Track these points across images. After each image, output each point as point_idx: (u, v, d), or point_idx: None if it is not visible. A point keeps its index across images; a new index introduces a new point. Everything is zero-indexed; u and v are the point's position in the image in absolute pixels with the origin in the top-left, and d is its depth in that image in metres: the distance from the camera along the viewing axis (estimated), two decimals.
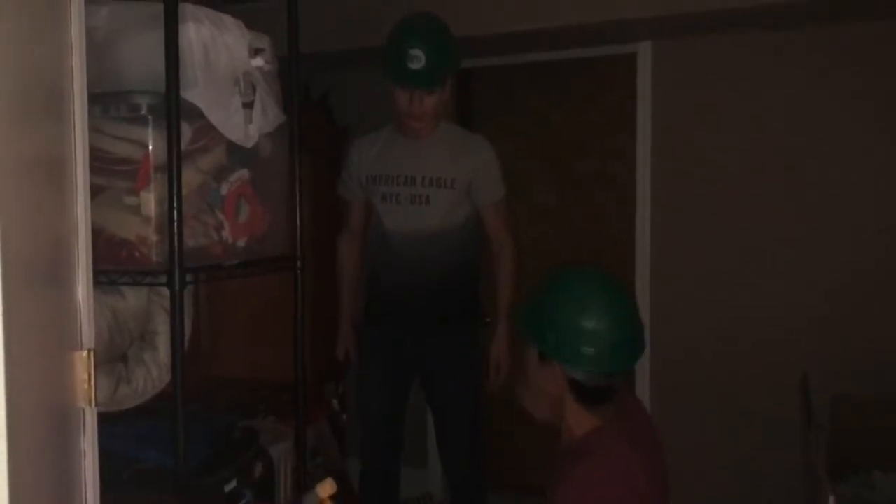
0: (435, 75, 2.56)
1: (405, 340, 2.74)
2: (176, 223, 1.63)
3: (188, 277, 1.67)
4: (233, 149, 1.80)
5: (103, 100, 1.64)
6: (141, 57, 1.68)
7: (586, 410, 1.70)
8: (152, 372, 1.90)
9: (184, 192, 1.64)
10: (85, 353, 1.36)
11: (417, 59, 2.52)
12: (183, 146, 1.64)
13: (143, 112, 1.65)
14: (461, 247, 2.70)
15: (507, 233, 2.78)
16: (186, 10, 1.67)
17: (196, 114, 1.70)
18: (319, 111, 3.80)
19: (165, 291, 1.68)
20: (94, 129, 1.51)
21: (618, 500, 1.60)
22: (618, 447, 1.66)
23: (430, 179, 2.65)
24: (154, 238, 1.66)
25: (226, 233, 1.79)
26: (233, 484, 2.06)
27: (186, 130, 1.67)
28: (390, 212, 2.70)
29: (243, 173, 1.82)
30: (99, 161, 1.59)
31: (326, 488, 1.84)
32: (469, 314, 2.80)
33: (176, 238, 1.63)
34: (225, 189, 1.78)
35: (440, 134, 2.71)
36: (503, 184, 2.77)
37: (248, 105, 1.78)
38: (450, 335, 2.68)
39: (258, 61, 1.81)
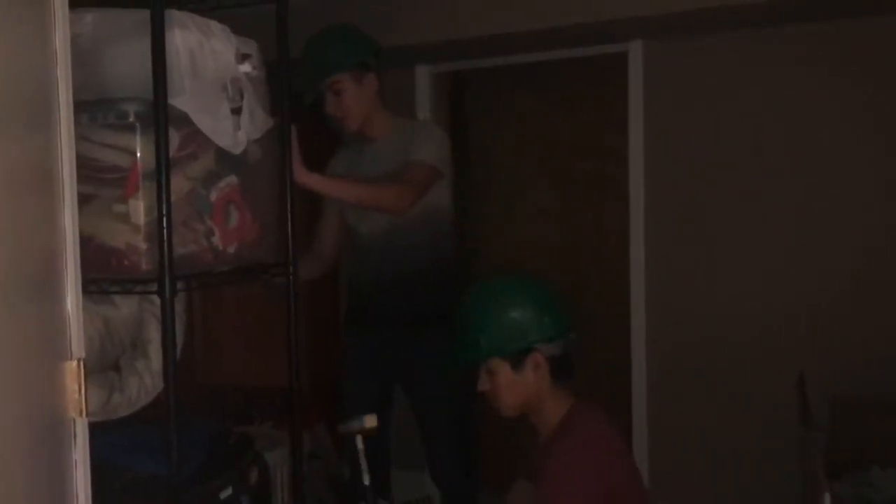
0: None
1: (384, 345, 2.76)
2: (165, 230, 1.62)
3: (179, 285, 1.67)
4: (221, 155, 1.80)
5: (90, 107, 1.63)
6: (128, 64, 1.67)
7: (563, 388, 1.98)
8: (145, 380, 1.90)
9: (173, 199, 1.63)
10: (75, 363, 1.35)
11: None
12: (171, 153, 1.63)
13: (131, 119, 1.64)
14: (430, 242, 2.70)
15: (410, 184, 2.54)
16: (173, 16, 1.67)
17: (184, 120, 1.69)
18: (312, 116, 3.79)
19: (157, 299, 1.68)
20: (81, 138, 1.50)
21: (600, 463, 1.87)
22: (593, 415, 1.97)
23: (383, 175, 2.66)
24: (144, 246, 1.65)
25: (216, 239, 1.78)
26: (228, 491, 2.06)
27: (174, 137, 1.66)
28: (357, 213, 2.74)
29: (232, 179, 1.82)
30: (87, 169, 1.58)
31: (372, 420, 2.15)
32: (447, 316, 2.78)
33: (166, 245, 1.62)
34: (214, 195, 1.77)
35: (395, 131, 2.75)
36: (434, 159, 2.63)
37: (237, 111, 1.78)
38: (428, 338, 2.67)
39: (245, 67, 1.81)
